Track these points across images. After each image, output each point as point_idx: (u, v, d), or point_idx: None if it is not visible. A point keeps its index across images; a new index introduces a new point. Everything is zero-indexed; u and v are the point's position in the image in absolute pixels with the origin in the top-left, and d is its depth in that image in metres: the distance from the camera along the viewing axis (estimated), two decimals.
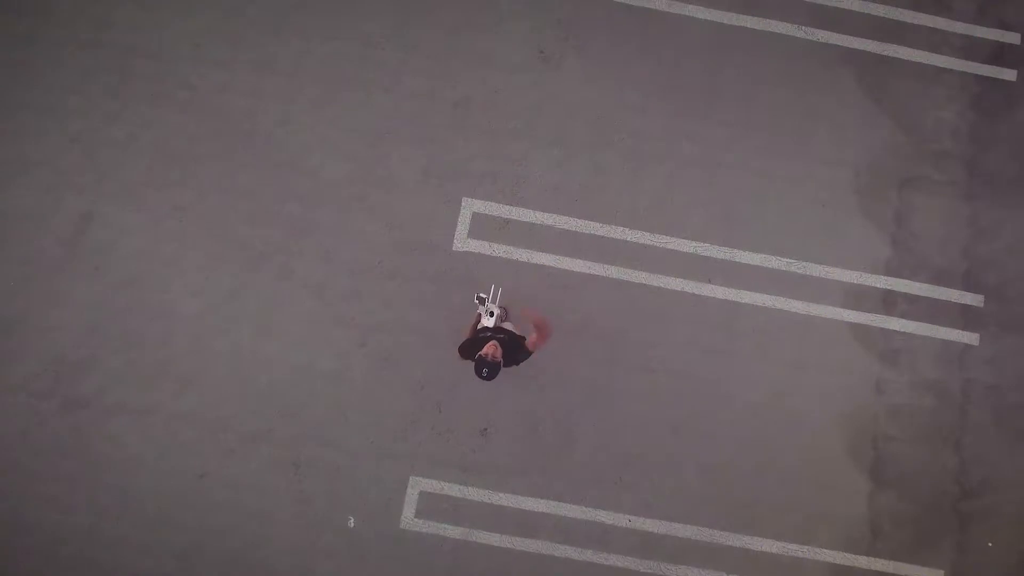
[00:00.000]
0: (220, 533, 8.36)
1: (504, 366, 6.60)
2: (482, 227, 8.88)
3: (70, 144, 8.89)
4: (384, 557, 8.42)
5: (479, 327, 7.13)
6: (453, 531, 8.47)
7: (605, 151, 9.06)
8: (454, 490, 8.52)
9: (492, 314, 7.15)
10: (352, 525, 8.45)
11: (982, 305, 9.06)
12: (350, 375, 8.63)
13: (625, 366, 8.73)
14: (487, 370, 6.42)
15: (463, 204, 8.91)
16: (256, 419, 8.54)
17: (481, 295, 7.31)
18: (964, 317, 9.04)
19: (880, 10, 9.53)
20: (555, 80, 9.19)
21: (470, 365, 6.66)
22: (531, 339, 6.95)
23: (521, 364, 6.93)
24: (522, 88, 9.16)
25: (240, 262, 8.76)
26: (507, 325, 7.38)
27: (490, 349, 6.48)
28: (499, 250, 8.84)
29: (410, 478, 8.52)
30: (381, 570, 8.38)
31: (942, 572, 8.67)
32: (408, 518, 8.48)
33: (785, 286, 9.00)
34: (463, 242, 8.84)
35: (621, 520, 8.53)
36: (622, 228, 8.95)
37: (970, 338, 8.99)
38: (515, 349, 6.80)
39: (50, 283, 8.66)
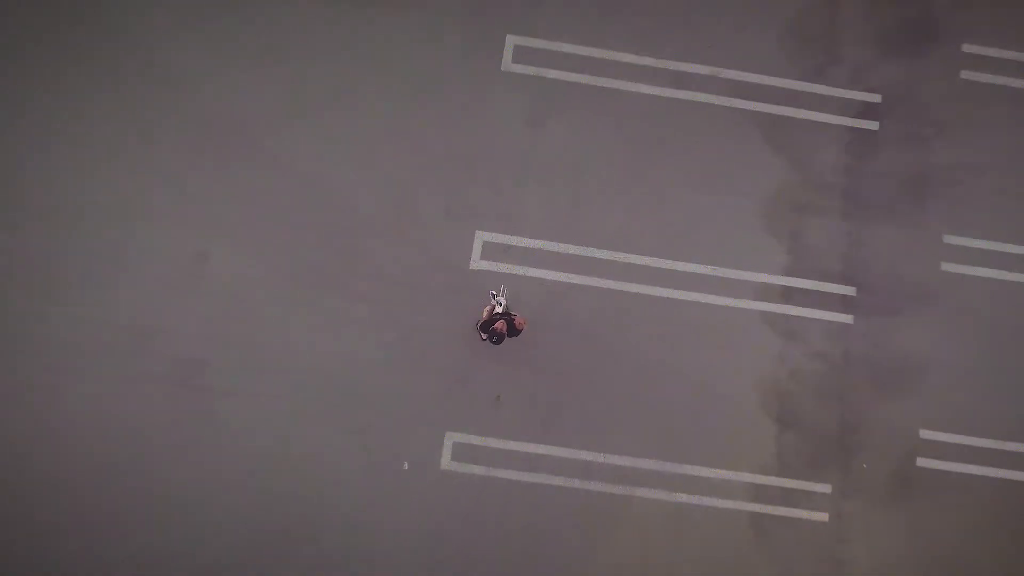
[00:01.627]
0: (306, 481, 11.71)
1: (508, 336, 10.34)
2: (491, 251, 12.28)
3: (184, 191, 12.28)
4: (430, 490, 11.78)
5: (493, 312, 10.68)
6: (478, 469, 11.84)
7: (580, 191, 12.48)
8: (477, 440, 11.90)
9: (501, 304, 10.69)
10: (407, 467, 11.82)
11: (855, 295, 12.49)
12: (397, 363, 12.01)
13: (598, 350, 12.13)
14: (497, 338, 10.16)
15: (476, 236, 12.32)
16: (328, 396, 11.91)
17: (493, 291, 10.87)
18: (842, 304, 12.47)
19: (777, 82, 12.98)
20: (541, 139, 12.61)
21: (486, 345, 10.21)
22: (518, 320, 10.61)
23: (516, 338, 10.69)
24: (517, 145, 12.59)
25: (311, 281, 12.15)
26: (510, 312, 10.94)
27: (500, 325, 10.07)
28: (503, 267, 12.24)
29: (445, 433, 11.90)
30: (429, 499, 11.74)
31: (830, 486, 12.07)
32: (446, 461, 11.85)
33: (711, 286, 12.43)
34: (476, 263, 12.24)
35: (598, 457, 11.93)
36: (594, 248, 12.36)
37: (847, 319, 12.42)
38: (512, 326, 10.44)
39: (177, 300, 12.03)
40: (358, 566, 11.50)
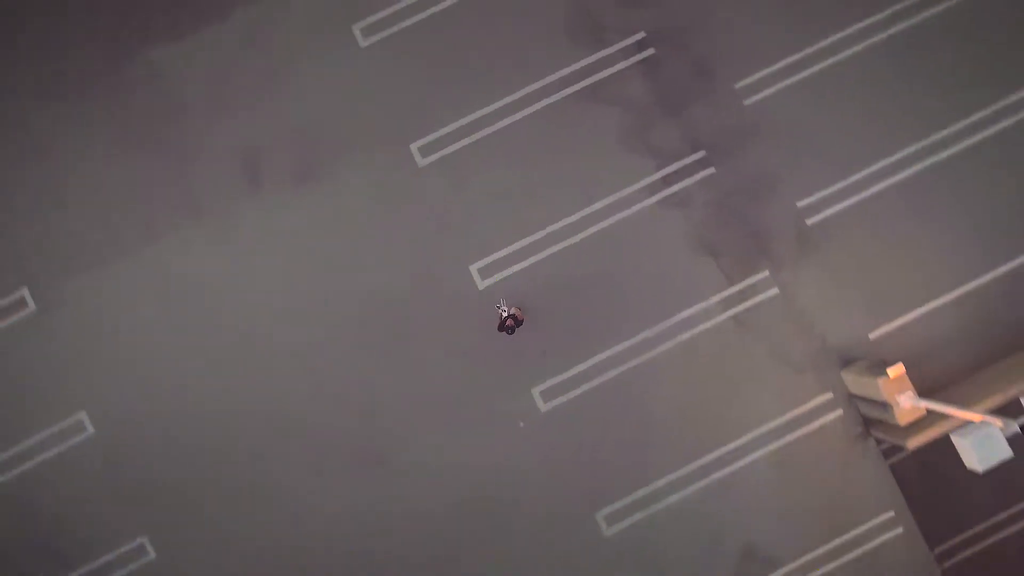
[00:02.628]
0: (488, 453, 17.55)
1: (515, 328, 16.19)
2: (486, 273, 18.08)
3: None
4: (547, 428, 17.61)
5: (501, 316, 16.46)
6: (564, 399, 17.66)
7: (511, 206, 18.25)
8: (550, 383, 17.72)
9: (504, 311, 16.51)
10: (523, 425, 17.65)
11: (705, 155, 18.23)
12: (476, 361, 17.80)
13: (573, 289, 17.93)
14: (509, 331, 15.93)
15: (475, 268, 18.13)
16: (452, 395, 17.77)
17: (496, 304, 16.74)
18: (702, 164, 18.21)
19: (577, 65, 18.73)
20: (470, 191, 18.38)
21: (509, 338, 16.14)
22: (518, 313, 16.44)
23: (520, 328, 16.50)
24: (456, 207, 18.38)
25: (369, 312, 17.97)
26: (512, 311, 16.71)
27: (509, 322, 15.88)
28: (498, 276, 18.05)
29: (531, 389, 17.74)
30: (552, 434, 17.53)
31: (766, 271, 17.82)
32: (543, 406, 17.69)
33: (619, 207, 18.22)
34: (482, 285, 18.07)
35: (617, 347, 17.76)
36: (539, 232, 18.15)
37: (710, 171, 18.15)
38: (515, 321, 16.27)
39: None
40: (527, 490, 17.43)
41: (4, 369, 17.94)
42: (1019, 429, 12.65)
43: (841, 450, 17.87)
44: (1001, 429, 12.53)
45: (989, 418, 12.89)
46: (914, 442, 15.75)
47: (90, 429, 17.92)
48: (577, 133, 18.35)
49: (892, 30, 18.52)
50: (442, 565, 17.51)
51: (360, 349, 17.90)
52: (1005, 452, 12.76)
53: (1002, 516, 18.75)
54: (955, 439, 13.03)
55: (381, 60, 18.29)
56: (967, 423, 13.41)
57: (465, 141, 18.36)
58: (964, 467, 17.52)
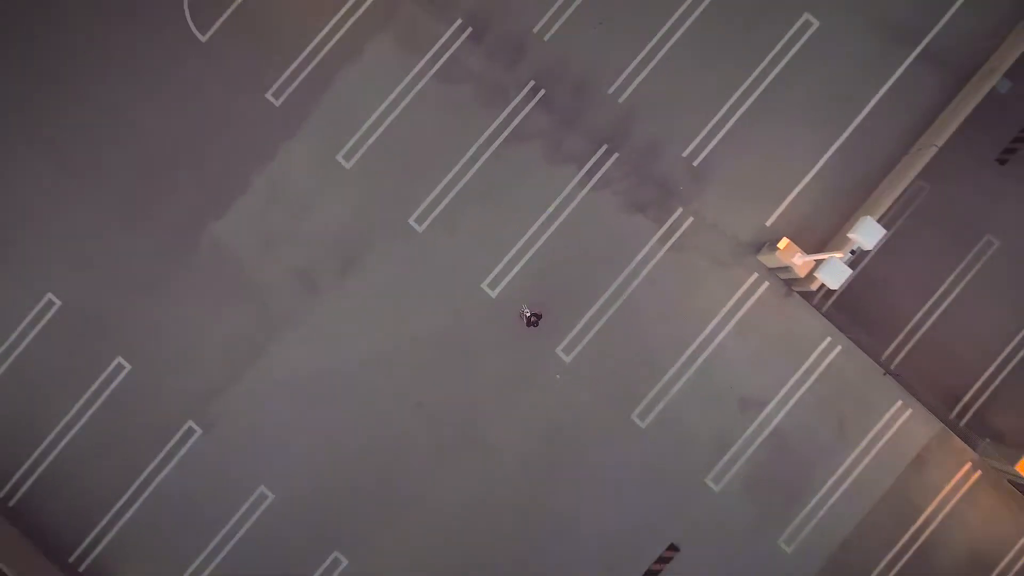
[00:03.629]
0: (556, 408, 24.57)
1: (539, 321, 23.26)
2: (494, 284, 25.02)
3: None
4: (578, 375, 24.60)
5: (525, 316, 23.47)
6: (583, 346, 24.65)
7: (483, 229, 25.18)
8: (568, 339, 24.70)
9: (526, 311, 23.55)
10: (559, 377, 24.64)
11: (608, 147, 25.13)
12: (515, 346, 24.77)
13: (564, 297, 24.88)
14: (534, 326, 23.00)
15: (484, 285, 25.08)
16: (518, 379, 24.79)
17: (520, 310, 23.77)
18: (606, 155, 25.11)
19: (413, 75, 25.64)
20: (455, 238, 25.35)
21: (534, 329, 23.20)
22: (538, 311, 23.48)
23: (541, 321, 23.49)
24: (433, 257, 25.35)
25: (430, 341, 24.97)
26: (533, 311, 23.75)
27: (533, 319, 22.95)
28: (503, 285, 25.00)
29: (555, 349, 24.73)
30: (573, 379, 24.52)
31: (679, 208, 24.75)
32: (566, 357, 24.68)
33: (563, 205, 25.19)
34: (494, 294, 25.03)
35: (608, 292, 24.78)
36: (518, 240, 25.08)
37: (615, 157, 25.05)
38: (538, 317, 23.27)
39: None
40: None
41: (200, 476, 25.04)
42: (851, 254, 19.57)
43: (778, 308, 24.86)
44: (840, 258, 19.43)
45: (832, 254, 19.83)
46: (815, 283, 22.60)
47: (270, 495, 25.03)
48: (517, 166, 25.28)
49: (703, 6, 25.28)
50: (543, 484, 24.56)
51: (436, 369, 24.95)
52: (847, 272, 19.67)
53: (919, 315, 25.62)
54: (817, 274, 19.94)
55: (365, 172, 25.27)
56: (828, 259, 20.26)
57: (444, 202, 25.33)
58: (875, 294, 24.61)
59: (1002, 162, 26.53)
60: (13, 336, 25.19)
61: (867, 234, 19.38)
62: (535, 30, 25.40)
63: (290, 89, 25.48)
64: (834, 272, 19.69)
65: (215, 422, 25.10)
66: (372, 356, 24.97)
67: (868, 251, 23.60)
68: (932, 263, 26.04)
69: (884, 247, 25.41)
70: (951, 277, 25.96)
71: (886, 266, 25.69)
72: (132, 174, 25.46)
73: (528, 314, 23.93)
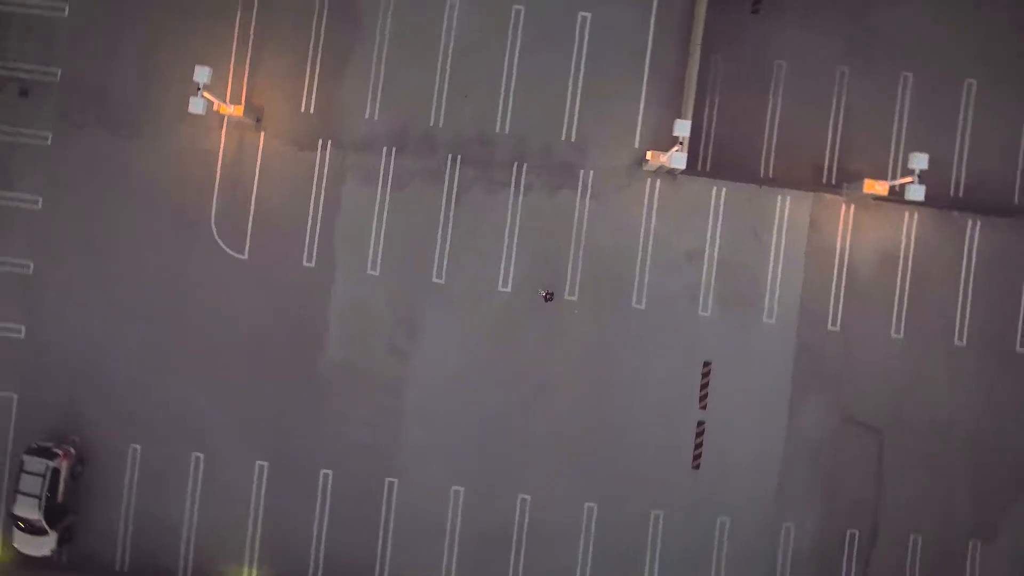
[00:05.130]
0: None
1: (552, 296, 35.33)
2: (506, 284, 36.70)
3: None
4: (581, 308, 36.34)
5: (542, 295, 35.37)
6: (573, 306, 36.46)
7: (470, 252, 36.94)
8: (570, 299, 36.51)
9: (542, 292, 35.57)
10: (577, 312, 36.36)
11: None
12: (538, 318, 36.51)
13: (552, 267, 36.67)
14: (550, 300, 35.22)
15: (501, 288, 36.78)
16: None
17: (539, 291, 35.64)
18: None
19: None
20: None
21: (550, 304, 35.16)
22: (550, 291, 35.54)
23: (553, 297, 35.57)
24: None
25: (497, 354, 36.72)
26: (547, 291, 35.66)
27: (548, 296, 35.09)
28: (512, 283, 36.73)
29: (565, 298, 36.44)
30: (583, 311, 36.25)
31: (590, 170, 36.52)
32: (571, 297, 36.45)
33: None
34: (504, 289, 36.75)
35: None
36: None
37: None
38: (551, 295, 35.26)
39: None
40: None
41: (409, 507, 36.76)
42: (680, 144, 31.38)
43: (675, 190, 36.55)
44: (677, 150, 31.23)
45: (673, 150, 31.62)
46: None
47: (462, 489, 36.70)
48: (474, 207, 36.94)
49: (526, 62, 36.96)
50: (602, 374, 36.25)
51: (507, 343, 36.68)
52: (684, 156, 31.42)
53: (764, 139, 37.30)
54: (671, 163, 31.72)
55: (388, 268, 36.96)
56: (672, 153, 31.99)
57: (446, 254, 36.99)
58: (728, 147, 36.35)
59: (755, 12, 38.13)
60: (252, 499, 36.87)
61: (683, 129, 31.29)
62: (431, 124, 37.14)
63: (313, 250, 37.20)
64: (679, 159, 31.56)
65: (407, 471, 36.70)
66: (470, 391, 36.69)
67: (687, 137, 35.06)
68: (753, 103, 37.72)
69: (720, 111, 37.10)
70: (770, 105, 37.64)
71: (726, 125, 37.37)
72: (251, 351, 37.20)
73: (544, 294, 35.66)
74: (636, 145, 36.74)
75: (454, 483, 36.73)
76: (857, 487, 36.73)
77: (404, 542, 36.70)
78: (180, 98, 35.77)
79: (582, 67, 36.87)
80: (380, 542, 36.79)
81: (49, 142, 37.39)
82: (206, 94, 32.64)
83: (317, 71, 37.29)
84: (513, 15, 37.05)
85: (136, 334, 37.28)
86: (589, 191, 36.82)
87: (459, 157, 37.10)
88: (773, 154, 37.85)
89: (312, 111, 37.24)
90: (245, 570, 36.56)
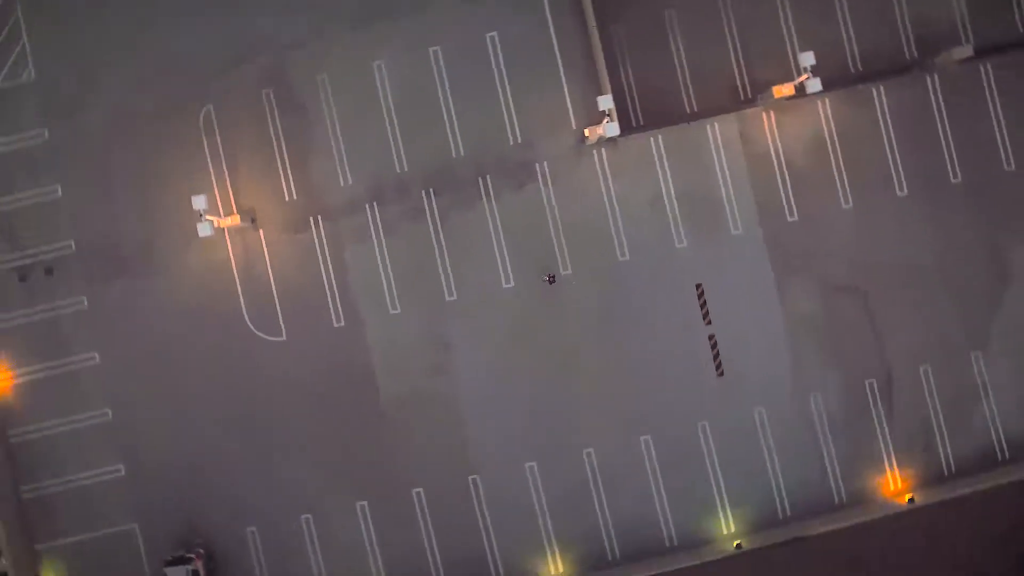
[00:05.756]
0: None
1: (554, 278, 40.53)
2: (509, 280, 41.70)
3: None
4: (574, 273, 41.38)
5: (545, 279, 40.46)
6: (564, 279, 41.53)
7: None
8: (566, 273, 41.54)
9: (545, 277, 40.64)
10: (574, 282, 41.36)
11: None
12: (546, 297, 41.54)
13: (546, 256, 41.70)
14: (552, 282, 40.22)
15: (504, 285, 41.78)
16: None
17: (542, 276, 40.75)
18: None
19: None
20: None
21: (552, 285, 40.23)
22: (552, 274, 40.69)
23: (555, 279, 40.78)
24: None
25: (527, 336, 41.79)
26: (549, 274, 40.78)
27: (551, 279, 40.30)
28: (515, 275, 41.74)
29: (562, 273, 41.47)
30: (575, 276, 41.28)
31: (544, 162, 41.55)
32: (565, 272, 41.51)
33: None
34: (508, 285, 41.75)
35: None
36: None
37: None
38: (552, 277, 40.39)
39: None
40: None
41: (500, 499, 41.82)
42: (607, 115, 36.33)
43: (622, 152, 41.48)
44: (608, 122, 36.25)
45: (604, 122, 36.63)
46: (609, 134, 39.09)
47: (535, 463, 41.77)
48: (460, 229, 41.85)
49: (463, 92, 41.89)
50: (616, 334, 41.28)
51: (534, 332, 41.72)
52: (616, 125, 36.41)
53: (677, 79, 42.29)
54: (605, 133, 36.73)
55: (406, 303, 41.91)
56: (605, 124, 37.00)
57: (450, 275, 41.94)
58: (644, 98, 41.34)
59: None
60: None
61: (606, 103, 36.40)
62: (398, 171, 42.10)
63: (339, 311, 42.16)
64: (612, 128, 36.72)
65: (483, 465, 41.73)
66: (496, 359, 41.86)
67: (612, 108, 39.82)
68: (659, 55, 42.70)
69: (634, 71, 42.11)
70: (673, 50, 42.61)
71: (643, 81, 42.35)
72: (317, 411, 42.18)
73: (546, 278, 40.66)
74: (574, 127, 41.69)
75: (526, 460, 41.72)
76: (860, 343, 41.84)
77: (503, 525, 41.71)
78: (181, 228, 40.91)
79: (505, 78, 41.80)
80: (483, 533, 41.77)
81: (85, 305, 42.23)
82: (208, 217, 37.54)
83: (287, 162, 42.19)
84: (432, 55, 41.94)
85: (216, 434, 42.19)
86: (549, 179, 41.80)
87: (431, 190, 42.05)
88: (691, 91, 42.86)
89: (296, 196, 42.17)
90: None
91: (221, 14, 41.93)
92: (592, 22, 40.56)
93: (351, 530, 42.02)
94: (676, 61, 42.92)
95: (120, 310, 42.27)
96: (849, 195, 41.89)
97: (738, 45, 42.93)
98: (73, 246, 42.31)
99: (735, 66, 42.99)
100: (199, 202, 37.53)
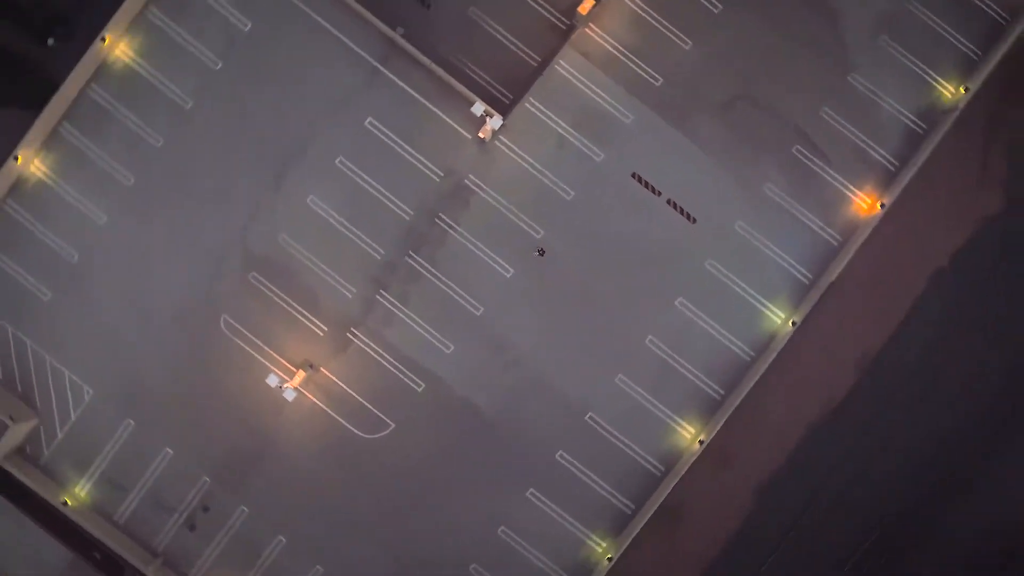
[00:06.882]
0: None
1: (544, 252, 49.31)
2: (510, 270, 50.22)
3: None
4: (555, 244, 49.99)
5: (537, 252, 49.12)
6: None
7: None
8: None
9: (536, 251, 49.31)
10: (546, 234, 49.93)
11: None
12: (543, 267, 50.10)
13: (523, 231, 50.26)
14: (541, 256, 48.72)
15: (508, 276, 50.31)
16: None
17: (534, 252, 49.40)
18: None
19: None
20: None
21: (543, 258, 48.83)
22: (542, 248, 49.31)
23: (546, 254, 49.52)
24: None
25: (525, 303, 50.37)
26: (539, 248, 49.40)
27: (541, 252, 48.90)
28: (517, 265, 50.32)
29: (543, 254, 50.08)
30: (558, 245, 49.86)
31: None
32: (547, 251, 50.10)
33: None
34: (509, 274, 50.29)
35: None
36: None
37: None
38: (542, 251, 49.09)
39: None
40: None
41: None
42: (486, 114, 44.71)
43: (518, 121, 49.92)
44: (494, 119, 44.68)
45: (489, 121, 45.13)
46: (489, 131, 47.51)
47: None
48: (451, 263, 50.40)
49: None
50: (602, 245, 49.80)
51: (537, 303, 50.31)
52: (500, 119, 44.81)
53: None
54: (494, 127, 45.12)
55: (454, 342, 50.47)
56: (492, 121, 45.34)
57: (468, 296, 50.52)
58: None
59: (427, 6, 51.49)
60: None
61: (478, 108, 45.29)
62: (379, 258, 50.60)
63: (414, 377, 50.65)
64: (496, 121, 45.63)
65: (587, 401, 50.37)
66: (537, 322, 50.39)
67: (485, 107, 48.15)
68: (484, 40, 51.03)
69: (481, 66, 50.42)
70: (490, 29, 50.93)
71: (490, 69, 50.69)
72: (451, 462, 50.80)
73: (536, 252, 49.17)
74: (470, 137, 50.13)
75: (615, 375, 50.40)
76: (765, 126, 50.54)
77: (636, 431, 50.41)
78: (269, 405, 49.60)
79: (400, 141, 50.28)
80: (626, 449, 50.40)
81: (247, 510, 50.81)
82: (284, 386, 46.30)
83: (302, 310, 50.75)
84: (341, 165, 50.35)
85: (387, 536, 50.93)
86: (481, 183, 50.26)
87: (410, 252, 50.58)
88: (524, 47, 51.23)
89: (326, 328, 50.77)
90: None
91: (188, 247, 50.31)
92: (426, 61, 48.92)
93: (540, 520, 50.70)
94: (496, 35, 51.22)
95: (272, 493, 50.86)
96: (684, 37, 50.31)
97: None
98: (207, 479, 50.80)
99: (541, 10, 51.32)
100: (272, 380, 46.26)
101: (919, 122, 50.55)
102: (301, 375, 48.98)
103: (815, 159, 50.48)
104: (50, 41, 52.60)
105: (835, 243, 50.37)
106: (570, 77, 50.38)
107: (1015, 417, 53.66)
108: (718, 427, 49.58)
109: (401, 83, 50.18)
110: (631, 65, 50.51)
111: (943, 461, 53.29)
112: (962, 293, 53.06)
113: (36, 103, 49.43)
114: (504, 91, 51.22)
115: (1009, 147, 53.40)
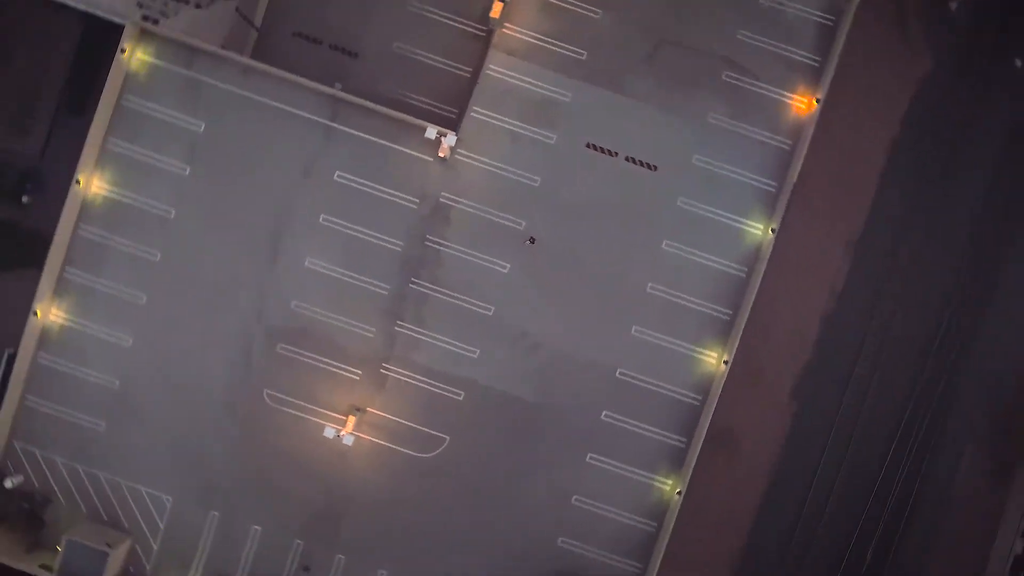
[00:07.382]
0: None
1: (535, 240, 52.96)
2: (508, 267, 53.77)
3: None
4: (540, 234, 53.48)
5: (528, 241, 52.67)
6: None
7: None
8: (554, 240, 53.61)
9: (526, 240, 52.87)
10: (534, 220, 53.45)
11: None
12: (540, 253, 53.63)
13: (506, 226, 53.77)
14: (533, 244, 52.32)
15: (506, 273, 53.84)
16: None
17: (525, 240, 52.97)
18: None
19: None
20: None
21: (533, 245, 52.31)
22: (533, 236, 52.90)
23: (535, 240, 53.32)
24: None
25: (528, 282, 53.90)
26: (530, 237, 53.00)
27: (532, 241, 52.57)
28: (515, 262, 53.81)
29: (536, 237, 53.59)
30: (544, 235, 53.39)
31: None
32: (525, 225, 53.63)
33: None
34: (505, 269, 53.78)
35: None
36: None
37: None
38: (532, 239, 52.79)
39: None
40: None
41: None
42: (440, 135, 48.18)
43: (473, 133, 53.36)
44: (449, 137, 48.13)
45: (445, 139, 48.59)
46: (446, 149, 50.91)
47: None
48: (455, 274, 53.96)
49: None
50: (592, 221, 53.31)
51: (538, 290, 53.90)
52: (454, 136, 48.23)
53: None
54: (450, 145, 48.53)
55: (480, 347, 53.95)
56: (448, 139, 48.77)
57: (476, 300, 53.99)
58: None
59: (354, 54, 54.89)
60: None
61: (431, 132, 48.65)
62: (385, 294, 54.04)
63: (451, 388, 54.18)
64: (451, 139, 48.91)
65: (615, 357, 53.95)
66: (548, 301, 53.91)
67: (438, 130, 51.54)
68: (407, 71, 54.48)
69: (414, 90, 53.82)
70: (419, 50, 54.38)
71: (426, 90, 54.12)
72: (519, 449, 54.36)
73: (527, 241, 52.63)
74: (432, 159, 53.53)
75: (631, 328, 53.93)
76: (692, 63, 53.82)
77: (670, 374, 53.97)
78: (331, 451, 52.95)
79: (371, 181, 53.64)
80: (659, 392, 54.01)
81: (343, 560, 54.32)
82: (340, 434, 49.90)
83: (332, 362, 54.13)
84: (324, 222, 53.76)
85: (480, 545, 54.59)
86: (456, 197, 53.70)
87: (412, 278, 54.05)
88: (453, 63, 54.85)
89: (359, 370, 54.20)
90: None
91: (214, 341, 53.82)
92: (371, 105, 52.30)
93: (606, 479, 54.29)
94: (430, 61, 54.75)
95: (361, 534, 54.43)
96: (593, 8, 53.77)
97: (441, 14, 54.88)
98: (299, 542, 54.29)
99: (457, 25, 54.79)
100: (329, 432, 49.99)
101: (826, 15, 54.05)
102: (352, 420, 52.49)
103: (745, 78, 53.95)
104: (24, 199, 56.07)
105: (787, 147, 53.87)
106: (503, 77, 53.78)
107: (1004, 245, 57.88)
108: (736, 343, 53.11)
109: (355, 132, 53.47)
110: (554, 48, 53.92)
111: (945, 314, 57.48)
112: (922, 148, 56.96)
113: (33, 259, 52.91)
114: (448, 108, 54.74)
115: (921, 4, 57.12)
